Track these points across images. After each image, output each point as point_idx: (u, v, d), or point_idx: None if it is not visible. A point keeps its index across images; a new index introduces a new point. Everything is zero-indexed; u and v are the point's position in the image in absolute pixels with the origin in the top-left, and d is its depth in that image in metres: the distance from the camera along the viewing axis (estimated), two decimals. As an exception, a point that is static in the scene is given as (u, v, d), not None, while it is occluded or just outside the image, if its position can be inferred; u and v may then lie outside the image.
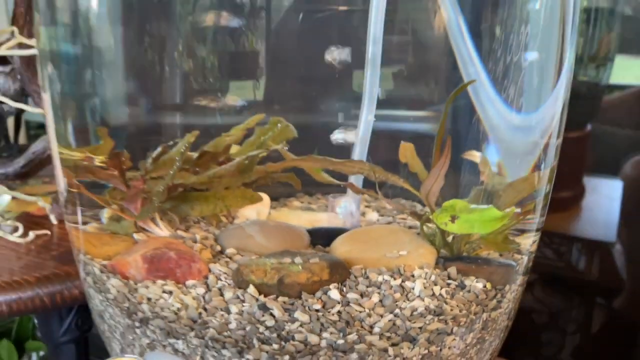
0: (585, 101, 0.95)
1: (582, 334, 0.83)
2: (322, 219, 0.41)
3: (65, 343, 0.63)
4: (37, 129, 0.97)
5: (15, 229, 0.49)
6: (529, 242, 0.30)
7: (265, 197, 0.40)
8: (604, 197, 0.89)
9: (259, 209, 0.40)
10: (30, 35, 0.54)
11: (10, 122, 0.76)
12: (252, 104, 0.39)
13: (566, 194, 0.99)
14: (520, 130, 0.32)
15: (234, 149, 0.37)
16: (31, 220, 0.53)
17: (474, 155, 0.35)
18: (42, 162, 0.64)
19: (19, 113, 0.76)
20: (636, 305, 0.66)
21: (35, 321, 0.77)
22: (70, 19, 0.31)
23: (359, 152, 0.36)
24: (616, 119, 0.79)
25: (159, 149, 0.32)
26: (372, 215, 0.41)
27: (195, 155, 0.34)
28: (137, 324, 0.25)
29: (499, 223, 0.26)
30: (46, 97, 0.32)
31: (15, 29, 0.54)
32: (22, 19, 0.55)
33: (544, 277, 0.86)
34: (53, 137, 0.31)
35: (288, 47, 0.38)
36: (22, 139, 0.80)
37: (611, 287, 0.75)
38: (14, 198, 0.53)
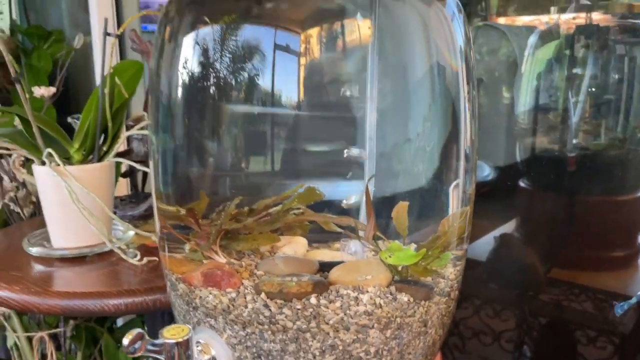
0: (635, 168, 1.04)
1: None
2: (338, 256, 0.57)
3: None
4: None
5: (136, 255, 0.69)
6: (448, 271, 0.44)
7: (303, 240, 0.56)
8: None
9: (295, 248, 0.57)
10: (153, 118, 0.76)
11: (139, 175, 0.99)
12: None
13: (620, 254, 1.06)
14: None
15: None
16: (146, 250, 0.73)
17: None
18: (159, 208, 0.85)
19: (145, 169, 0.99)
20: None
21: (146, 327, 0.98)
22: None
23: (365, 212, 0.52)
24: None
25: (221, 207, 0.50)
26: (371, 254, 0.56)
27: (247, 209, 0.52)
28: (191, 309, 0.43)
29: (415, 258, 0.41)
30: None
31: (145, 113, 0.76)
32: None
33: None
34: (154, 195, 0.50)
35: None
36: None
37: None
38: (136, 233, 0.74)
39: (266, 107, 0.46)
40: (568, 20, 0.97)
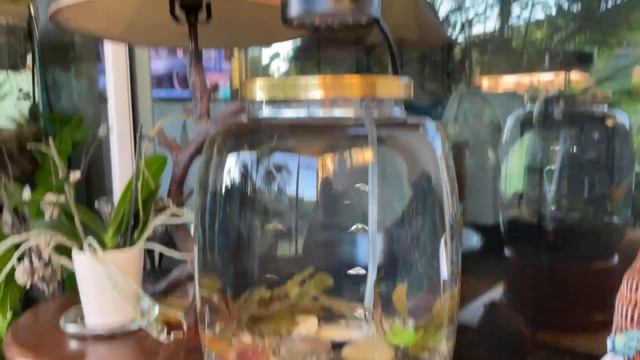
0: (608, 238, 1.15)
1: None
2: (347, 334, 0.66)
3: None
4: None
5: (162, 331, 0.77)
6: (442, 346, 0.53)
7: (314, 319, 0.65)
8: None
9: (308, 328, 0.66)
10: (178, 205, 0.86)
11: (156, 252, 1.08)
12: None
13: (598, 318, 1.16)
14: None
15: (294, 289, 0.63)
16: (169, 324, 0.81)
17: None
18: (178, 284, 0.93)
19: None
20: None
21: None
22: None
23: (369, 298, 0.61)
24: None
25: (247, 294, 0.59)
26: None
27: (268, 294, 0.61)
28: (230, 384, 0.52)
29: (414, 339, 0.50)
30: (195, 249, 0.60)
31: (169, 199, 0.85)
32: (174, 193, 0.86)
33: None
34: (197, 283, 0.59)
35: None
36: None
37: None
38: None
39: (292, 205, 0.56)
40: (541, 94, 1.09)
